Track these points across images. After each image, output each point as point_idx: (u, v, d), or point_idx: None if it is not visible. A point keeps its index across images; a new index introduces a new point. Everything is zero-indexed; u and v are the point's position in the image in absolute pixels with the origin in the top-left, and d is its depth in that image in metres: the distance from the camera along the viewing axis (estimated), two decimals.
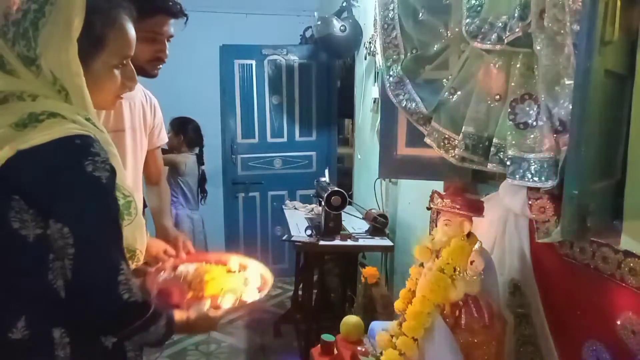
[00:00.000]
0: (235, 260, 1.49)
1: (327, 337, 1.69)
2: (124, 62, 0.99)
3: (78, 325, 0.90)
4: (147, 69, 1.49)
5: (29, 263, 0.86)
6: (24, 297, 0.87)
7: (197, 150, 3.80)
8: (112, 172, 0.88)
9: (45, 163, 0.82)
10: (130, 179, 1.57)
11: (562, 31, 1.00)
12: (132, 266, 0.98)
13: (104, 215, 0.88)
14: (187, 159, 3.68)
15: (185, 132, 3.69)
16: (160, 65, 1.53)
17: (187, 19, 1.55)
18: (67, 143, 0.83)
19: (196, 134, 3.75)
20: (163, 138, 1.84)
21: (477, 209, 1.30)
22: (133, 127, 1.61)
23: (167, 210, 1.89)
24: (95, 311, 0.89)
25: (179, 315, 1.06)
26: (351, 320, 1.69)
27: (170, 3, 1.48)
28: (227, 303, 1.22)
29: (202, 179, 3.85)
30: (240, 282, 1.37)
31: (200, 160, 3.83)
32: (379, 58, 2.45)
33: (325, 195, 2.62)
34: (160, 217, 1.82)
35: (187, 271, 1.41)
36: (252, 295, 1.29)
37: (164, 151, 2.02)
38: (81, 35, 0.88)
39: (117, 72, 0.98)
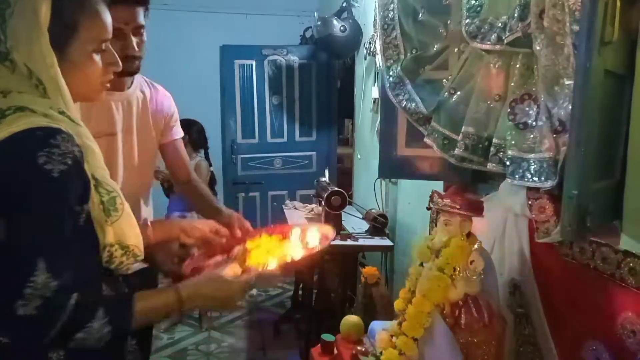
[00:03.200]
0: (297, 229, 1.35)
1: (327, 337, 1.69)
2: (103, 46, 0.95)
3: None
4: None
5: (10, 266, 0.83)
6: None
7: (202, 152, 3.79)
8: (72, 167, 0.82)
9: (2, 157, 0.79)
10: (120, 181, 1.48)
11: (561, 31, 1.00)
12: (131, 262, 0.96)
13: (42, 213, 0.81)
14: (203, 162, 3.67)
15: (189, 133, 3.66)
16: (137, 61, 1.42)
17: (147, 7, 1.39)
18: (25, 136, 0.80)
19: (200, 136, 3.73)
20: (178, 131, 1.73)
21: (477, 209, 1.30)
22: (127, 128, 1.52)
23: (212, 197, 1.78)
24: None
25: (172, 288, 0.96)
26: (351, 320, 1.69)
27: None
28: (268, 265, 1.11)
29: (211, 181, 3.83)
30: (292, 245, 1.26)
31: (208, 162, 3.82)
32: (379, 58, 2.45)
33: (325, 195, 2.62)
34: (209, 205, 1.70)
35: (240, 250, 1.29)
36: (297, 251, 1.19)
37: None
38: (52, 23, 0.85)
39: (97, 57, 0.94)
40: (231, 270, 1.04)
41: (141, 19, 1.41)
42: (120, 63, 1.01)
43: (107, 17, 0.96)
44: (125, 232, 0.94)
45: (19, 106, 0.83)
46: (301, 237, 1.32)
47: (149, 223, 1.24)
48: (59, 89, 0.87)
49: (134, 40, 1.40)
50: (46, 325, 0.81)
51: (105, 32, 0.95)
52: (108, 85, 1.02)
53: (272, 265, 1.12)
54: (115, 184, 0.94)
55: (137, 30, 1.40)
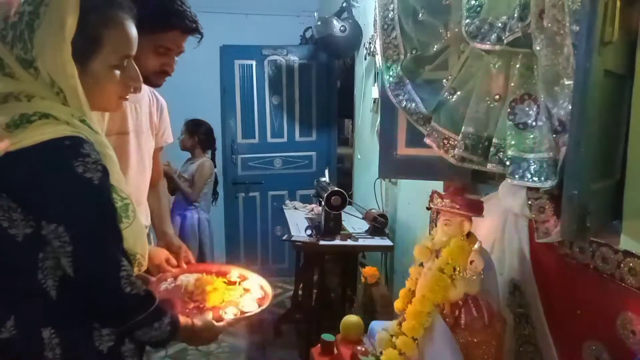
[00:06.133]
0: (235, 271, 1.50)
1: (327, 337, 1.69)
2: (125, 62, 0.97)
3: (71, 325, 0.90)
4: (152, 79, 1.48)
5: (17, 262, 0.86)
6: (12, 296, 0.87)
7: (209, 153, 3.78)
8: (105, 172, 0.88)
9: (34, 165, 0.82)
10: (134, 182, 1.57)
11: (561, 31, 1.00)
12: (135, 271, 0.97)
13: (99, 214, 0.88)
14: (207, 162, 3.67)
15: (197, 134, 3.66)
16: (166, 78, 1.52)
17: (201, 37, 1.53)
18: (56, 145, 0.83)
19: (208, 137, 3.72)
20: (167, 138, 1.84)
21: (477, 209, 1.31)
22: (138, 129, 1.60)
23: (167, 216, 1.88)
24: (99, 305, 0.91)
25: (183, 320, 1.06)
26: (351, 320, 1.69)
27: (187, 21, 1.44)
28: (228, 315, 1.23)
29: (214, 182, 3.84)
30: (240, 293, 1.38)
31: (213, 163, 3.82)
32: (379, 58, 2.45)
33: (325, 195, 2.62)
34: (161, 224, 1.80)
35: (188, 281, 1.42)
36: (251, 306, 1.30)
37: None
38: (77, 36, 0.88)
39: (117, 72, 0.97)
40: (208, 316, 1.18)
41: (184, 46, 1.52)
42: (141, 79, 1.05)
43: (133, 33, 0.98)
44: (135, 240, 0.96)
45: (44, 113, 0.85)
46: (240, 282, 1.45)
47: None
48: (78, 98, 0.90)
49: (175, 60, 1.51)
50: (145, 307, 0.93)
51: (128, 47, 0.97)
52: (127, 98, 1.05)
53: (230, 313, 1.25)
54: (129, 191, 0.96)
55: (179, 53, 1.52)
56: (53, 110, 0.86)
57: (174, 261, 1.53)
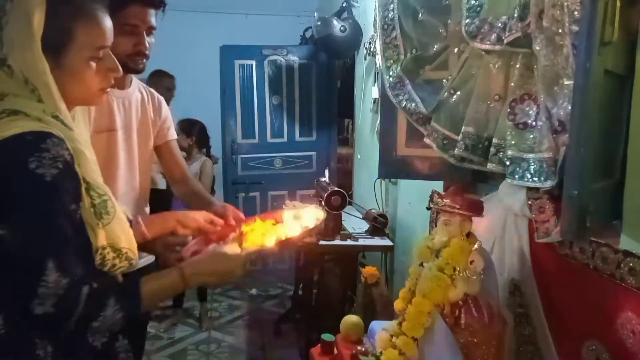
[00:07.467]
0: (289, 212, 1.36)
1: (327, 336, 1.69)
2: (100, 53, 0.95)
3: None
4: (129, 63, 1.43)
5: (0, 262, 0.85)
6: (1, 296, 0.86)
7: (204, 151, 3.79)
8: (65, 168, 0.83)
9: None
10: (123, 178, 1.54)
11: (561, 31, 1.00)
12: (124, 265, 0.96)
13: (41, 216, 0.83)
14: (209, 162, 3.68)
15: (193, 133, 3.66)
16: (145, 60, 1.48)
17: (164, 6, 1.47)
18: (16, 140, 0.81)
19: (202, 135, 3.73)
20: (172, 133, 1.79)
21: (477, 209, 1.30)
22: (127, 126, 1.56)
23: (205, 192, 1.80)
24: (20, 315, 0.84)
25: (176, 272, 0.99)
26: (351, 320, 1.69)
27: None
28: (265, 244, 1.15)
29: (212, 180, 3.84)
30: (285, 226, 1.28)
31: (212, 161, 3.82)
32: (379, 58, 2.45)
33: (325, 195, 2.62)
34: (201, 199, 1.70)
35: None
36: (293, 230, 1.25)
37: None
38: (47, 30, 0.86)
39: (93, 64, 0.94)
40: (230, 248, 1.09)
41: (154, 22, 1.48)
42: (121, 69, 1.01)
43: (106, 24, 0.95)
44: (118, 235, 0.94)
45: (13, 110, 0.84)
46: (294, 218, 1.34)
47: (140, 220, 1.24)
48: (51, 95, 0.88)
49: (147, 39, 1.47)
50: (63, 320, 0.84)
51: (102, 38, 0.95)
52: (107, 90, 1.02)
53: (269, 243, 1.18)
54: (107, 187, 0.94)
55: (150, 30, 1.47)
56: (24, 107, 0.85)
57: (219, 220, 1.37)
